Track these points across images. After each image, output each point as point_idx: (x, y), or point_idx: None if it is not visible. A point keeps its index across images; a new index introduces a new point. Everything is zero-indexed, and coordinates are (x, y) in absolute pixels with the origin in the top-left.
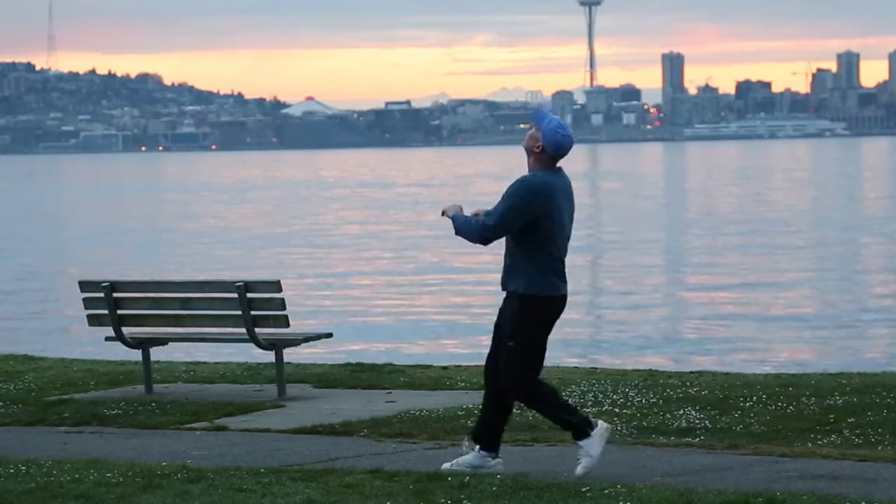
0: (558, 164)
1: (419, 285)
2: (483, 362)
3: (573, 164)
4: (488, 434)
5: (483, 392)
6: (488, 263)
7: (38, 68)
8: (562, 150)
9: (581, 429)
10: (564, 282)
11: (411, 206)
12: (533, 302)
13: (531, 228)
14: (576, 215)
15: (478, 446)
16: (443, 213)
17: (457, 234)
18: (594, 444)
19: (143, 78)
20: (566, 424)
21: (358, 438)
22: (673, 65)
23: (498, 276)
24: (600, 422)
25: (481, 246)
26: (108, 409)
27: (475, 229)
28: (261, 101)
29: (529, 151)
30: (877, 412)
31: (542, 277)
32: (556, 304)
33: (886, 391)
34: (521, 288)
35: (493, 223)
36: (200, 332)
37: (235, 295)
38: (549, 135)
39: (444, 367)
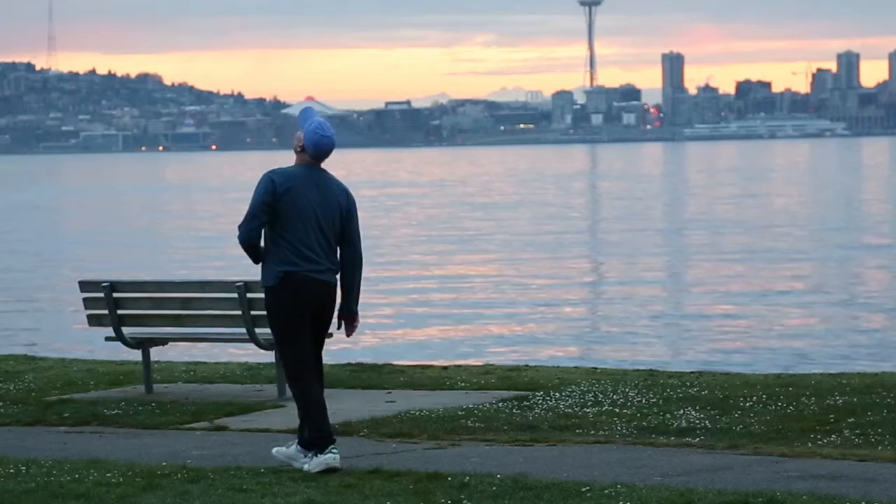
0: (322, 165)
1: (419, 281)
2: (484, 362)
3: (574, 163)
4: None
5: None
6: (487, 263)
7: (38, 68)
8: (319, 149)
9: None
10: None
11: (406, 206)
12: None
13: (274, 216)
14: (576, 214)
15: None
16: None
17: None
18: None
19: (143, 78)
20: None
21: (358, 438)
22: (673, 65)
23: (492, 273)
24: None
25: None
26: (108, 409)
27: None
28: (261, 101)
29: (294, 150)
30: (877, 412)
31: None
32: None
33: (886, 391)
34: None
35: (242, 219)
36: (200, 332)
37: (235, 295)
38: (308, 135)
39: (444, 367)
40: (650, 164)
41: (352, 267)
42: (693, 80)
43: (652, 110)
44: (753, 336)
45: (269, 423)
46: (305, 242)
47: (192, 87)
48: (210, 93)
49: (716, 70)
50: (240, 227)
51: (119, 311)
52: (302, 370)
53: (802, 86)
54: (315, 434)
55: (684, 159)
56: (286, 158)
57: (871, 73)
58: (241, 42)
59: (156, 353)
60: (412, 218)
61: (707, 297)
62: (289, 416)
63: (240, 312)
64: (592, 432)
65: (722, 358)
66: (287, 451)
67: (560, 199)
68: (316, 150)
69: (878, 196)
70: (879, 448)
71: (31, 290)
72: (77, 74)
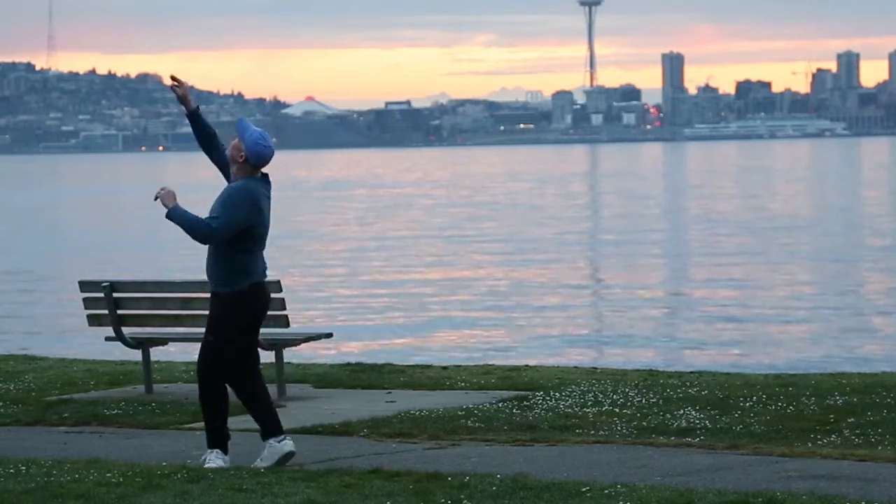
0: (262, 171)
1: (419, 285)
2: (485, 362)
3: (574, 163)
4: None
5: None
6: (487, 264)
7: (38, 68)
8: (263, 159)
9: (214, 439)
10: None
11: (406, 207)
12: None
13: (245, 233)
14: (575, 215)
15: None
16: (156, 198)
17: (170, 219)
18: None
19: (143, 78)
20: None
21: (358, 438)
22: (673, 65)
23: (492, 273)
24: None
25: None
26: (108, 409)
27: (199, 228)
28: (261, 101)
29: (233, 160)
30: (877, 412)
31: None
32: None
33: (886, 391)
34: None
35: (217, 226)
36: (200, 332)
37: None
38: (251, 145)
39: (444, 367)
40: (650, 164)
41: None
42: (693, 80)
43: (652, 110)
44: (753, 336)
45: None
46: (261, 255)
47: (192, 87)
48: (210, 93)
49: (716, 70)
50: (212, 225)
51: (119, 311)
52: (228, 370)
53: (802, 86)
54: (218, 428)
55: (684, 159)
56: (286, 158)
57: (871, 73)
58: (241, 42)
59: (156, 353)
60: (413, 219)
61: (707, 297)
62: (288, 415)
63: None
64: (592, 432)
65: (722, 358)
66: (270, 452)
67: (560, 200)
68: (259, 161)
69: (879, 196)
70: (879, 448)
71: (32, 290)
72: (77, 74)
